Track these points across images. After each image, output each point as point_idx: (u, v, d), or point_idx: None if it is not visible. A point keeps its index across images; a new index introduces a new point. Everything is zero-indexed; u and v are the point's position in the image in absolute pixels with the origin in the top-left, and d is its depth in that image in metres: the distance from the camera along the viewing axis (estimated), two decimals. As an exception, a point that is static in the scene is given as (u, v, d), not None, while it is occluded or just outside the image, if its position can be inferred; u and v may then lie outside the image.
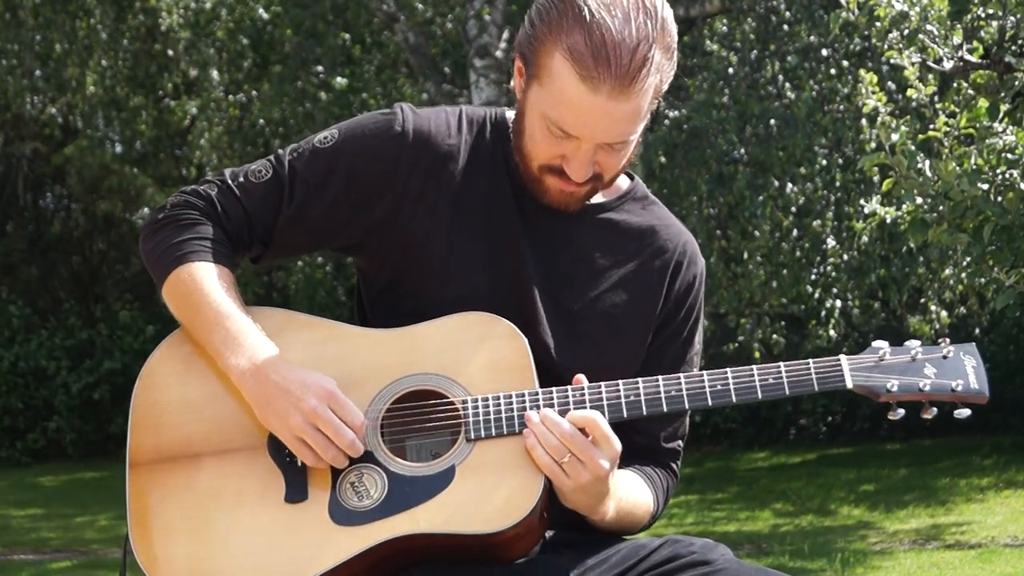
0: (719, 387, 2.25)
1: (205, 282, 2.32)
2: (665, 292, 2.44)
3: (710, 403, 2.25)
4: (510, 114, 2.44)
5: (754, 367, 2.26)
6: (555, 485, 2.21)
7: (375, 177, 2.34)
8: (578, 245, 2.40)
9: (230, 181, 2.40)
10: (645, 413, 2.25)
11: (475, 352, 2.28)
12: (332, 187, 2.36)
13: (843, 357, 2.27)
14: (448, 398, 2.27)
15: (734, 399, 2.25)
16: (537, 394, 2.24)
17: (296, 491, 2.25)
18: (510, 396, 2.24)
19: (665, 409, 2.25)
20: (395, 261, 2.37)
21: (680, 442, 2.53)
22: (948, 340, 2.31)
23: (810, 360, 2.26)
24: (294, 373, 2.24)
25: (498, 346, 2.28)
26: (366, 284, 2.45)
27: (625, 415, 2.25)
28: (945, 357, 2.28)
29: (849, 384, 2.24)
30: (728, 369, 2.26)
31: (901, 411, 2.26)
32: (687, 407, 2.27)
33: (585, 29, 2.16)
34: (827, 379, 2.25)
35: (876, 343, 2.29)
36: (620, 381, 2.26)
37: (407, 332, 2.32)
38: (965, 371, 2.27)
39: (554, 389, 2.25)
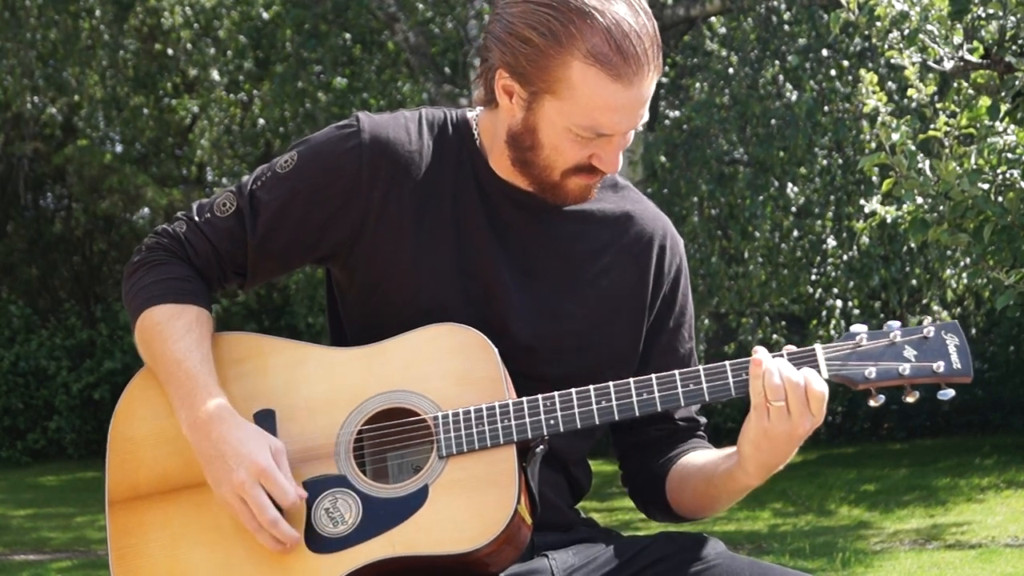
0: (691, 386, 2.21)
1: (163, 328, 2.30)
2: (654, 279, 2.41)
3: (682, 403, 2.21)
4: (471, 114, 2.40)
5: (727, 363, 2.22)
6: (750, 419, 2.18)
7: (337, 194, 2.32)
8: (552, 240, 2.37)
9: (196, 217, 2.39)
10: (617, 418, 2.22)
11: (444, 365, 2.25)
12: (295, 211, 2.34)
13: (818, 346, 2.21)
14: (419, 415, 2.24)
15: (707, 397, 2.22)
16: (508, 405, 2.21)
17: None
18: (480, 409, 2.21)
19: (637, 413, 2.22)
20: (365, 273, 2.35)
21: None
22: (930, 319, 2.25)
23: (784, 351, 2.21)
24: (234, 436, 2.20)
25: (468, 358, 2.25)
26: (340, 293, 2.43)
27: (597, 421, 2.23)
28: (925, 337, 2.20)
29: (824, 374, 2.19)
30: (701, 367, 2.23)
31: (882, 397, 2.21)
32: (659, 408, 2.23)
33: (601, 29, 2.15)
34: None
35: (854, 328, 2.23)
36: (591, 387, 2.22)
37: (376, 349, 2.29)
38: (947, 351, 2.19)
39: (524, 399, 2.22)
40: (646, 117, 2.26)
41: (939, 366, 2.19)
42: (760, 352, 2.18)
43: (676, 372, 2.22)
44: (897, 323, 2.23)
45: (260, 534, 2.19)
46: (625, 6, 2.17)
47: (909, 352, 2.20)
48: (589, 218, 2.40)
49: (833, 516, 9.88)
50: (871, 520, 9.53)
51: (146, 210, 17.97)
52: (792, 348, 2.22)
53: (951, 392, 2.19)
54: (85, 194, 17.25)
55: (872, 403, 2.21)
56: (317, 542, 2.21)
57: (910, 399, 2.21)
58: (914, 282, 11.44)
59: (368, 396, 2.26)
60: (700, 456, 2.41)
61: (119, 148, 17.58)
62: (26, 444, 15.76)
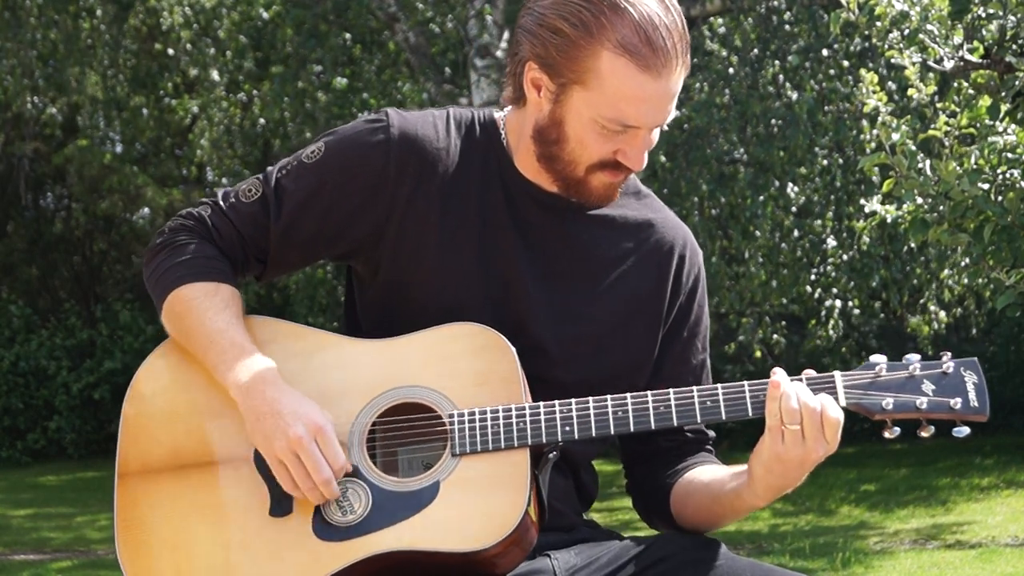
0: (708, 404, 2.22)
1: (199, 303, 2.31)
2: (671, 287, 2.43)
3: (699, 419, 2.22)
4: (499, 115, 2.42)
5: (745, 383, 2.23)
6: (764, 441, 2.19)
7: (363, 187, 2.33)
8: (575, 243, 2.38)
9: (222, 202, 2.40)
10: (633, 430, 2.22)
11: (464, 364, 2.26)
12: (320, 202, 2.35)
13: (837, 374, 2.22)
14: (435, 411, 2.25)
15: (724, 416, 2.22)
16: (524, 408, 2.22)
17: (280, 505, 2.24)
18: (496, 411, 2.22)
19: (654, 426, 2.22)
20: (388, 268, 2.35)
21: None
22: (950, 355, 2.25)
23: (803, 375, 2.22)
24: (291, 397, 2.23)
25: (486, 358, 2.25)
26: (360, 287, 2.44)
27: (612, 431, 2.23)
28: (945, 373, 2.21)
29: (842, 402, 2.19)
30: (719, 385, 2.23)
31: (897, 429, 2.22)
32: (675, 423, 2.24)
33: (631, 21, 2.18)
34: None
35: (874, 358, 2.24)
36: (608, 397, 2.23)
37: (396, 343, 2.30)
38: (965, 388, 2.20)
39: (541, 404, 2.22)
40: (672, 115, 2.27)
41: (956, 403, 2.20)
42: (779, 374, 2.18)
43: (694, 388, 2.23)
44: (917, 356, 2.24)
45: (311, 492, 2.20)
46: (656, 1, 2.20)
47: (927, 386, 2.21)
48: (612, 223, 2.41)
49: (833, 516, 9.88)
50: (871, 520, 9.53)
51: (146, 210, 17.97)
52: (812, 373, 2.23)
53: (966, 430, 2.20)
54: (85, 194, 17.25)
55: (887, 434, 2.22)
56: (324, 530, 2.21)
57: (924, 433, 2.21)
58: (914, 282, 11.43)
59: (385, 389, 2.27)
60: (707, 472, 2.41)
61: (119, 148, 17.58)
62: (26, 444, 15.75)
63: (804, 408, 2.15)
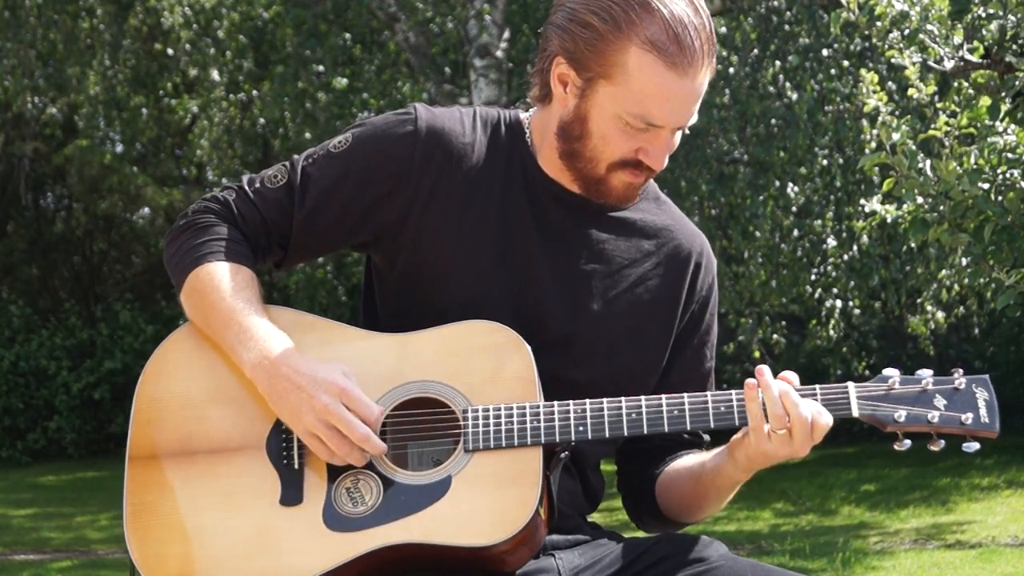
0: (722, 409, 2.24)
1: (220, 281, 2.33)
2: (687, 293, 2.45)
3: (711, 424, 2.24)
4: (524, 116, 2.44)
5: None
6: (749, 439, 2.21)
7: (388, 176, 2.35)
8: (594, 244, 2.40)
9: (247, 187, 2.43)
10: (646, 431, 2.23)
11: (479, 362, 2.27)
12: (345, 190, 2.37)
13: (851, 384, 2.25)
14: (449, 407, 2.26)
15: (736, 421, 2.24)
16: (539, 407, 2.23)
17: (291, 494, 2.24)
18: (511, 408, 2.23)
19: (667, 429, 2.24)
20: (407, 260, 2.37)
21: None
22: (962, 371, 2.28)
23: (816, 386, 2.24)
24: (306, 367, 2.23)
25: (502, 356, 2.26)
26: (379, 279, 2.45)
27: (625, 433, 2.24)
28: (956, 389, 2.25)
29: (855, 413, 2.22)
30: (732, 391, 2.25)
31: (908, 442, 2.25)
32: (688, 426, 2.25)
33: (661, 19, 2.20)
34: (833, 406, 2.23)
35: (887, 371, 2.27)
36: (623, 399, 2.25)
37: (411, 338, 2.31)
38: (976, 404, 2.25)
39: (556, 403, 2.23)
40: (695, 118, 2.29)
41: (967, 418, 2.24)
42: (758, 375, 2.20)
43: (708, 393, 2.25)
44: (929, 371, 2.27)
45: (351, 455, 2.20)
46: (685, 2, 2.23)
47: (939, 401, 2.25)
48: (631, 226, 2.43)
49: (834, 516, 9.88)
50: (871, 520, 9.53)
51: (146, 210, 17.97)
52: (790, 375, 2.24)
53: (976, 445, 2.24)
54: (85, 194, 17.25)
55: (897, 447, 2.25)
56: (334, 520, 2.21)
57: (934, 448, 2.25)
58: (913, 282, 11.43)
59: (400, 383, 2.28)
60: (689, 459, 2.45)
61: (119, 148, 17.58)
62: (26, 444, 15.76)
63: (793, 416, 2.17)
